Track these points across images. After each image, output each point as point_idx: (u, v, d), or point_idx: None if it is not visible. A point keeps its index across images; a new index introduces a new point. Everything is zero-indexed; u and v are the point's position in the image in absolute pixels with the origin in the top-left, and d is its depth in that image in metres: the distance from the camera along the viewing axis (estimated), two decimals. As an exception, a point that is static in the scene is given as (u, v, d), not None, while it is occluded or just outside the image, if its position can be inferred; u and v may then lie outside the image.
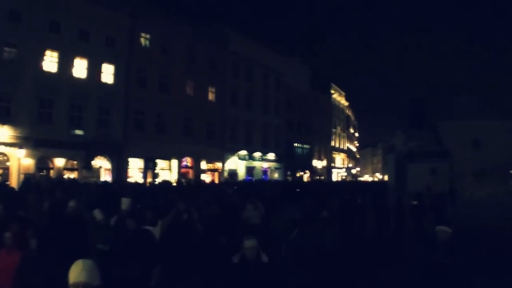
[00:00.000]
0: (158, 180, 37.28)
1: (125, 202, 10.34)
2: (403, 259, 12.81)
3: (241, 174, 52.15)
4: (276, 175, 58.27)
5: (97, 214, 9.43)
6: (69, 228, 9.60)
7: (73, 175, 34.12)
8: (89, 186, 24.00)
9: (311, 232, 9.50)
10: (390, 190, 45.10)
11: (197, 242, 10.93)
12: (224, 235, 11.44)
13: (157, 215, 10.85)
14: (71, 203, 10.32)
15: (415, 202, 18.44)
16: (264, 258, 6.09)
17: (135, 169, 40.00)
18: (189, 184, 32.26)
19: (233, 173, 50.31)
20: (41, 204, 12.65)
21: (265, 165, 58.07)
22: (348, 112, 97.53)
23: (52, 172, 33.22)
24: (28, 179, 25.11)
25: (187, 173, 45.53)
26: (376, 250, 14.65)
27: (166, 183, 31.73)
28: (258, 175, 54.74)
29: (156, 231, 9.92)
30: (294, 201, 25.65)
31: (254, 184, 38.56)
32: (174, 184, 32.93)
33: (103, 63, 37.16)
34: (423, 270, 7.27)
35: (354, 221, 16.42)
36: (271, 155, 58.48)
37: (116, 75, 38.10)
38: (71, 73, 34.60)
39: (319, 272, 8.83)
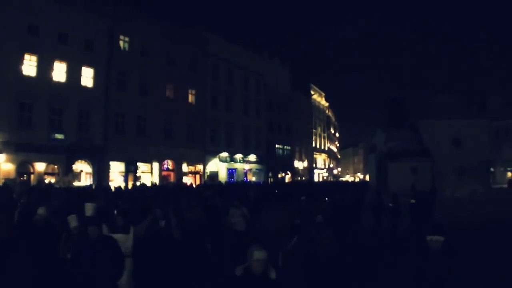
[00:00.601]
0: (137, 183, 37.16)
1: (88, 208, 9.73)
2: (397, 268, 12.63)
3: (223, 176, 52.07)
4: (253, 178, 58.00)
5: (72, 221, 8.68)
6: (37, 237, 8.82)
7: (53, 179, 33.93)
8: (62, 191, 23.28)
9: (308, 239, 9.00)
10: (372, 190, 45.33)
11: (176, 251, 9.63)
12: (209, 242, 10.48)
13: (129, 221, 9.74)
14: (40, 210, 9.34)
15: (391, 204, 18.62)
16: (273, 274, 5.33)
17: (116, 173, 39.82)
18: (167, 187, 31.97)
19: (213, 176, 50.19)
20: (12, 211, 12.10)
21: (247, 166, 58.12)
22: (328, 112, 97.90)
23: (32, 177, 32.98)
24: (6, 185, 24.92)
25: (169, 176, 45.48)
26: (370, 257, 13.82)
27: (143, 186, 31.55)
28: (240, 177, 54.77)
29: (128, 239, 8.99)
30: (278, 204, 25.71)
31: (235, 186, 38.50)
32: (153, 186, 32.87)
33: (82, 66, 36.95)
34: (418, 280, 6.54)
35: (349, 225, 15.45)
36: (252, 157, 58.60)
37: (96, 78, 37.93)
38: (50, 77, 34.39)
39: (315, 283, 8.41)
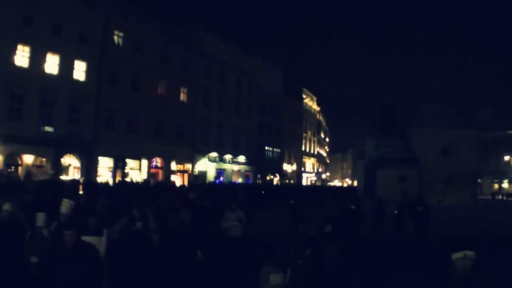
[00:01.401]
0: (127, 179, 36.96)
1: (65, 205, 8.57)
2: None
3: (211, 176, 51.97)
4: (239, 179, 57.68)
5: (39, 219, 7.77)
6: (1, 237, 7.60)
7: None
8: (34, 184, 22.27)
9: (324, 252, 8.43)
10: (359, 196, 45.45)
11: (153, 257, 9.23)
12: (199, 247, 9.71)
13: (103, 222, 8.96)
14: (5, 206, 8.13)
15: (396, 212, 19.03)
16: None
17: (104, 168, 39.62)
18: (149, 185, 31.38)
19: (197, 175, 49.77)
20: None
21: (235, 167, 58.05)
22: (319, 117, 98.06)
23: (20, 169, 32.70)
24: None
25: (157, 173, 45.32)
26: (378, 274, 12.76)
27: (123, 183, 31.23)
28: (228, 178, 54.68)
29: (101, 242, 8.15)
30: (267, 206, 25.62)
31: (223, 187, 38.25)
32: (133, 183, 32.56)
33: (75, 59, 36.71)
34: None
35: (357, 235, 14.66)
36: (241, 158, 58.57)
37: (88, 72, 37.69)
38: (42, 69, 34.09)
39: None
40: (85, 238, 7.32)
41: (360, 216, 16.10)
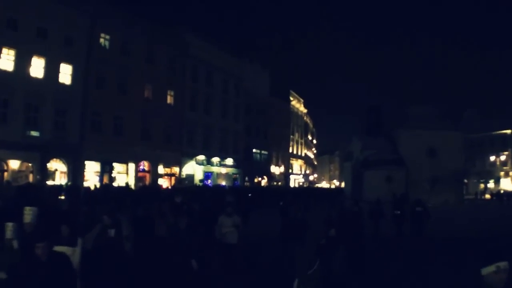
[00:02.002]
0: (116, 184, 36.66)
1: (28, 213, 7.76)
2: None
3: (199, 179, 51.70)
4: (223, 182, 56.62)
5: (8, 230, 7.20)
6: None
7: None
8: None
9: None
10: (347, 197, 45.71)
11: (127, 267, 8.79)
12: (193, 256, 9.06)
13: (78, 231, 8.39)
14: None
15: (398, 212, 20.14)
16: None
17: (91, 173, 39.25)
18: (129, 190, 30.74)
19: (181, 179, 49.31)
20: None
21: (223, 170, 57.84)
22: (307, 119, 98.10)
23: (6, 175, 32.25)
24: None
25: (144, 177, 45.02)
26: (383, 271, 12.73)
27: (105, 187, 30.81)
28: (215, 181, 54.44)
29: (75, 253, 7.60)
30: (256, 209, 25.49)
31: (212, 190, 37.91)
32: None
33: (61, 62, 36.38)
34: None
35: (360, 238, 13.23)
36: (229, 161, 58.39)
37: (74, 75, 37.33)
38: (27, 72, 33.72)
39: None
40: (58, 249, 6.65)
41: (362, 218, 15.43)
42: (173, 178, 49.12)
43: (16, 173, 32.63)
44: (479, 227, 24.99)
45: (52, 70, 35.47)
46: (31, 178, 33.45)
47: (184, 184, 45.69)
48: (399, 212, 20.44)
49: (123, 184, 37.61)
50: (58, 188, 25.26)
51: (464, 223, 28.91)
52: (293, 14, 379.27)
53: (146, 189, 32.50)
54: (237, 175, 61.02)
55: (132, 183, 40.72)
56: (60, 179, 36.03)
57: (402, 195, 37.70)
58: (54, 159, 36.18)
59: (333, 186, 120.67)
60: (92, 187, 32.71)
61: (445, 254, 15.40)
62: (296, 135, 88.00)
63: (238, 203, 17.41)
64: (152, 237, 10.63)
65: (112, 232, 8.80)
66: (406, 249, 16.77)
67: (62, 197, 20.19)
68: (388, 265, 13.48)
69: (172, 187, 41.19)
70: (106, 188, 30.23)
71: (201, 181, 51.31)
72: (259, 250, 15.00)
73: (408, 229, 19.56)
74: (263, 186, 62.66)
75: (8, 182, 28.28)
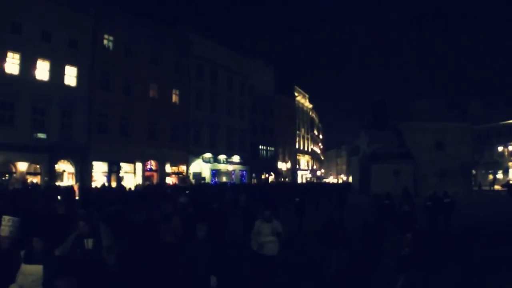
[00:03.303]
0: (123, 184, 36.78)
1: (6, 225, 6.46)
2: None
3: (207, 177, 51.97)
4: (224, 178, 56.00)
5: None
6: None
7: (36, 179, 33.63)
8: None
9: None
10: (354, 191, 45.74)
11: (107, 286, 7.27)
12: (213, 272, 7.53)
13: (52, 244, 6.90)
14: None
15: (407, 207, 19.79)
16: None
17: (99, 173, 39.52)
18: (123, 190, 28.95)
19: (185, 177, 49.30)
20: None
21: (230, 167, 58.05)
22: (312, 114, 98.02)
23: (14, 177, 32.56)
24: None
25: (152, 176, 45.25)
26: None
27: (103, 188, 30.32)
28: (221, 178, 54.60)
29: None
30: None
31: (216, 188, 37.63)
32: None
33: (66, 65, 36.63)
34: None
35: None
36: (236, 158, 58.58)
37: (79, 77, 37.61)
38: (33, 75, 34.03)
39: None
40: (27, 268, 6.01)
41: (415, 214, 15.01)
42: (180, 176, 49.27)
43: (22, 175, 32.86)
44: (501, 218, 25.37)
45: (57, 73, 35.77)
46: (39, 179, 33.81)
47: (188, 182, 45.78)
48: (429, 203, 20.98)
49: (130, 184, 37.80)
50: (52, 189, 24.59)
51: (484, 214, 29.23)
52: (295, 7, 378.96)
53: (151, 188, 31.91)
54: (244, 172, 61.14)
55: (139, 182, 40.96)
56: (68, 180, 36.36)
57: (405, 188, 37.66)
58: (62, 161, 36.49)
59: (340, 181, 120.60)
60: (98, 186, 32.46)
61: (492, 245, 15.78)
62: (302, 130, 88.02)
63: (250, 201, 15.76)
64: (154, 245, 8.81)
65: (89, 242, 7.28)
66: (452, 240, 17.03)
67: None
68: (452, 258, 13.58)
69: (174, 185, 40.52)
70: (109, 189, 29.81)
71: (201, 178, 50.72)
72: (295, 258, 13.51)
73: (426, 221, 20.00)
74: (274, 182, 62.79)
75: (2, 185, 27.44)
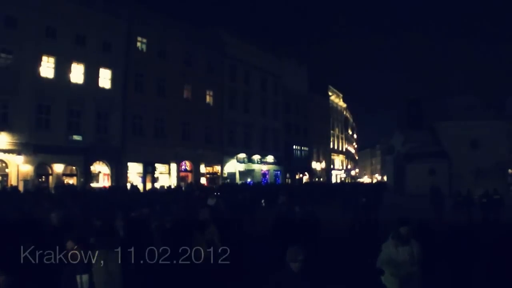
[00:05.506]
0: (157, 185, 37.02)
1: None
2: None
3: (238, 177, 52.08)
4: (249, 179, 54.28)
5: None
6: None
7: (72, 180, 34.06)
8: None
9: None
10: (390, 191, 45.21)
11: None
12: None
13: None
14: None
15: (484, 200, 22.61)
16: None
17: (134, 174, 39.86)
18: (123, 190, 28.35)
19: (214, 177, 48.94)
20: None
21: (264, 167, 57.96)
22: (346, 113, 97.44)
23: (51, 178, 33.05)
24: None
25: (186, 176, 45.40)
26: None
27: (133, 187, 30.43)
28: (257, 178, 54.52)
29: None
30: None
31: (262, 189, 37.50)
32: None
33: (100, 67, 37.04)
34: None
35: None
36: (270, 158, 58.47)
37: (113, 79, 37.99)
38: (68, 79, 34.47)
39: None
40: None
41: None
42: (215, 176, 49.41)
43: (59, 177, 33.32)
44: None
45: (91, 76, 36.19)
46: (75, 181, 34.26)
47: (217, 183, 45.82)
48: (484, 200, 22.60)
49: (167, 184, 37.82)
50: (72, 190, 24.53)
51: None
52: (328, 7, 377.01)
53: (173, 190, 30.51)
54: (279, 172, 61.02)
55: (174, 183, 41.07)
56: (104, 181, 36.73)
57: (432, 188, 37.03)
58: (98, 162, 36.92)
59: (374, 180, 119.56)
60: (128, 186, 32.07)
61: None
62: (336, 130, 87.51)
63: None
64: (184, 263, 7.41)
65: (83, 279, 5.69)
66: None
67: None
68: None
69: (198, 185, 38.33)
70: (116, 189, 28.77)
71: (227, 178, 49.89)
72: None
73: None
74: (325, 183, 62.61)
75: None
